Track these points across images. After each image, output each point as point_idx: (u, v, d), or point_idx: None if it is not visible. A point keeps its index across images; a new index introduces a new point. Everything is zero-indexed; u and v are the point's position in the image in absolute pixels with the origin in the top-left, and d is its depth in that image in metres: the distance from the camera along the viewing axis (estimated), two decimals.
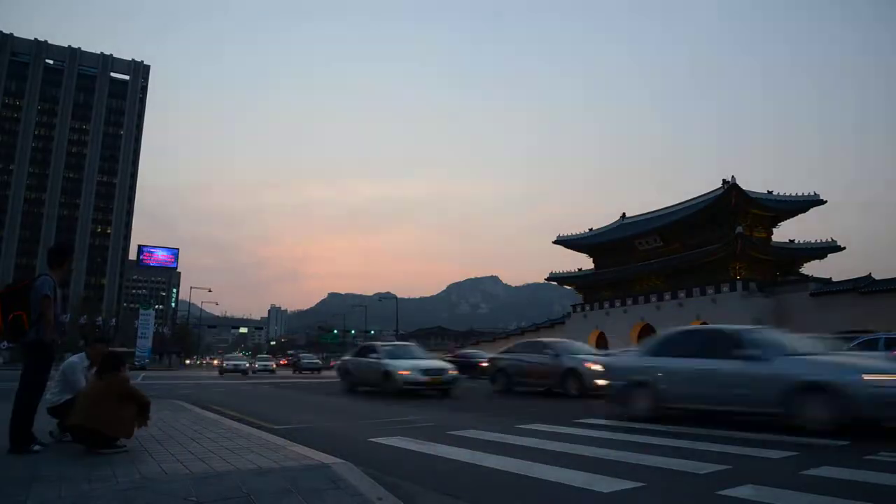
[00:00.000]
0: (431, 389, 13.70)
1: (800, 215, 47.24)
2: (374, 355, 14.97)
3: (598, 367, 12.05)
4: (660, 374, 7.90)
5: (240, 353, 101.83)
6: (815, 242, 47.25)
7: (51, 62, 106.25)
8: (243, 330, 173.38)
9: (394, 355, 14.63)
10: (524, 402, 12.18)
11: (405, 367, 13.60)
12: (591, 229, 61.53)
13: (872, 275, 38.60)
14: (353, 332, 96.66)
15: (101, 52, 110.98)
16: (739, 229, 43.76)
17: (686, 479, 4.26)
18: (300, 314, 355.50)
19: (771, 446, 5.55)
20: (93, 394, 5.03)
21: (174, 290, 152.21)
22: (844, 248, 47.10)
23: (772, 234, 48.31)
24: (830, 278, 42.69)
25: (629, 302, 52.38)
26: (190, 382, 22.71)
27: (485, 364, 25.64)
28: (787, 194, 47.27)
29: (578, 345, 16.29)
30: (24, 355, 5.18)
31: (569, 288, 64.53)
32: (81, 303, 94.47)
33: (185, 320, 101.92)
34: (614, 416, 8.23)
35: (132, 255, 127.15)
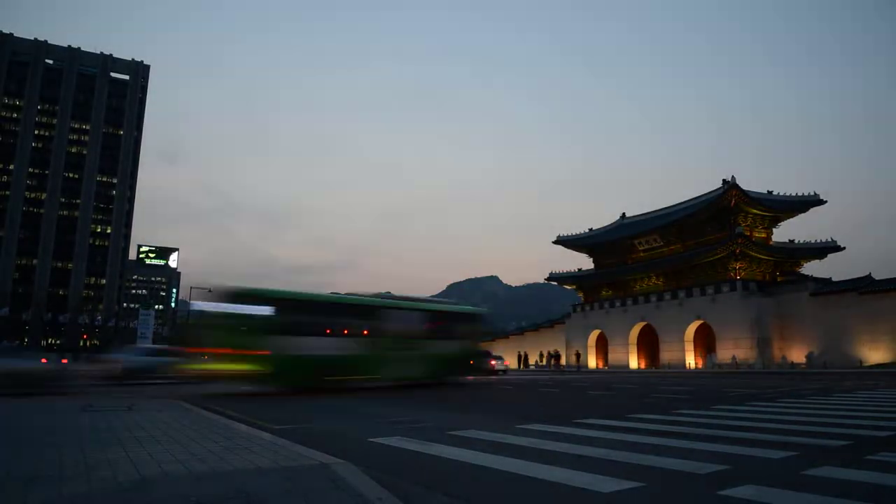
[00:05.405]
0: None
1: (800, 215, 47.25)
2: None
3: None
4: None
5: None
6: (815, 242, 47.21)
7: (51, 62, 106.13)
8: None
9: None
10: (525, 401, 12.19)
11: None
12: (591, 229, 61.50)
13: (872, 275, 38.61)
14: None
15: (101, 52, 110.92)
16: (739, 229, 43.76)
17: (686, 479, 4.25)
18: None
19: (771, 446, 5.54)
20: None
21: (174, 290, 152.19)
22: (844, 248, 47.09)
23: (772, 233, 48.30)
24: (830, 278, 42.69)
25: (629, 302, 52.34)
26: (190, 382, 22.62)
27: None
28: (787, 194, 47.26)
29: None
30: None
31: (569, 288, 64.49)
32: (81, 303, 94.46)
33: (185, 320, 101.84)
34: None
35: (132, 255, 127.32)
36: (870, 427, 6.98)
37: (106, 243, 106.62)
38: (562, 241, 61.32)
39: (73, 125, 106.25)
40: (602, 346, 54.65)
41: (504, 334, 77.44)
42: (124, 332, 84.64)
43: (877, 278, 38.00)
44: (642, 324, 50.66)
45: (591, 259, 60.99)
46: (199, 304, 18.43)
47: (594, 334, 55.80)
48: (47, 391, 12.80)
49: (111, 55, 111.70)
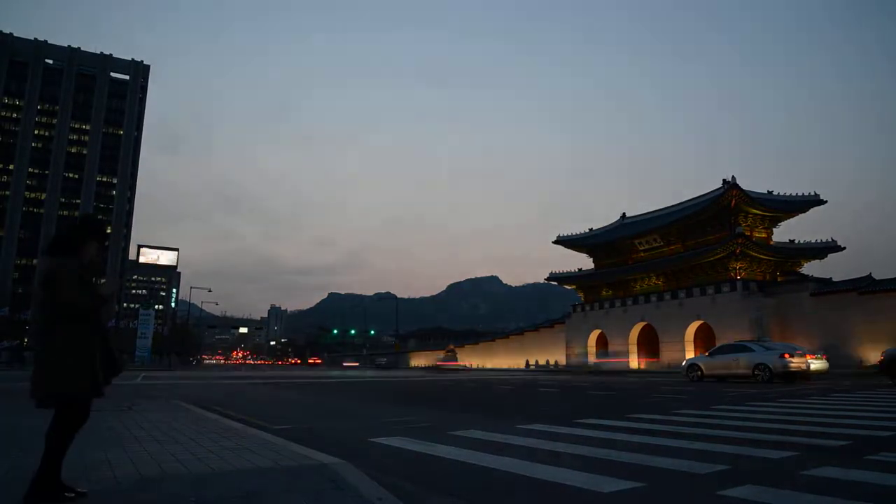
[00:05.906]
0: None
1: (800, 215, 47.24)
2: None
3: None
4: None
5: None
6: (815, 242, 47.21)
7: (51, 62, 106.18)
8: (243, 330, 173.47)
9: None
10: (527, 403, 12.20)
11: None
12: (591, 229, 61.52)
13: (872, 275, 38.61)
14: (353, 331, 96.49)
15: (101, 52, 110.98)
16: (739, 229, 43.77)
17: (686, 479, 4.25)
18: (300, 314, 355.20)
19: (770, 446, 5.54)
20: None
21: (174, 290, 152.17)
22: (844, 248, 47.10)
23: (772, 233, 48.30)
24: (830, 278, 42.69)
25: (629, 302, 52.35)
26: (191, 382, 22.67)
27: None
28: (787, 194, 47.26)
29: None
30: None
31: (569, 288, 64.52)
32: None
33: (184, 320, 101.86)
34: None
35: (132, 255, 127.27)
36: (870, 427, 6.98)
37: (106, 243, 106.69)
38: (562, 241, 61.34)
39: (73, 125, 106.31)
40: (602, 346, 54.67)
41: (504, 335, 77.36)
42: (125, 332, 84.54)
43: (877, 278, 38.00)
44: (642, 324, 50.66)
45: (591, 259, 61.01)
46: None
47: (594, 334, 55.81)
48: None
49: (111, 55, 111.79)
